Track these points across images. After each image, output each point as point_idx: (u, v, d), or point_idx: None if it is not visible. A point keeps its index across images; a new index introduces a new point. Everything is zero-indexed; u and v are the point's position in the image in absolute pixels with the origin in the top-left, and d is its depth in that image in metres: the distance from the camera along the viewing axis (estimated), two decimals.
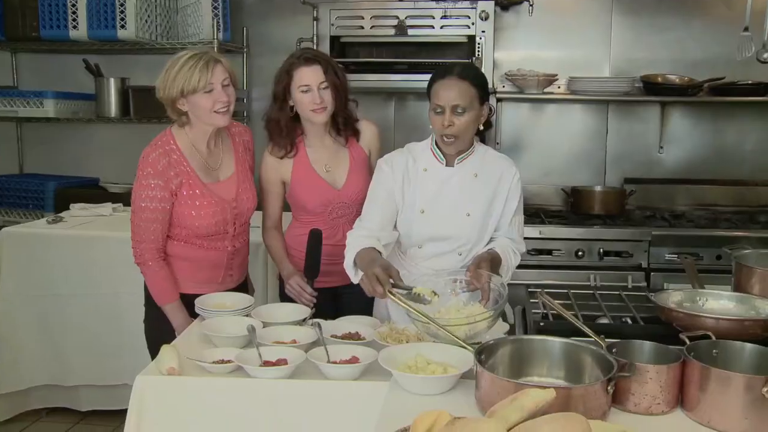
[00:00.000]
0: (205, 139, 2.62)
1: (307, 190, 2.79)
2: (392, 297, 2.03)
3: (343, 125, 2.81)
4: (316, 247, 2.64)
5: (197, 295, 2.55)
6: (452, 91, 2.29)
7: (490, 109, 2.42)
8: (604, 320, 2.28)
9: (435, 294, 2.14)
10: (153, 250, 2.58)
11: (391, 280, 2.09)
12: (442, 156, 2.45)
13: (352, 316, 2.47)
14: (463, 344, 1.94)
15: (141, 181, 2.54)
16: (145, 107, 4.27)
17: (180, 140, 2.59)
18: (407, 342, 2.16)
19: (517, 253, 2.48)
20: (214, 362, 2.09)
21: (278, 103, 2.73)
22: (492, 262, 2.30)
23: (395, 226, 2.47)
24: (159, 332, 2.49)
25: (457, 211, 2.44)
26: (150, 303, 2.65)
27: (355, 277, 2.28)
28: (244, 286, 2.87)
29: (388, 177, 2.45)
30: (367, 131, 2.88)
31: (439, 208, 2.44)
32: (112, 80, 4.37)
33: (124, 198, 4.09)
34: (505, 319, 2.33)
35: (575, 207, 4.19)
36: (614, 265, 3.78)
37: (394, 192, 2.44)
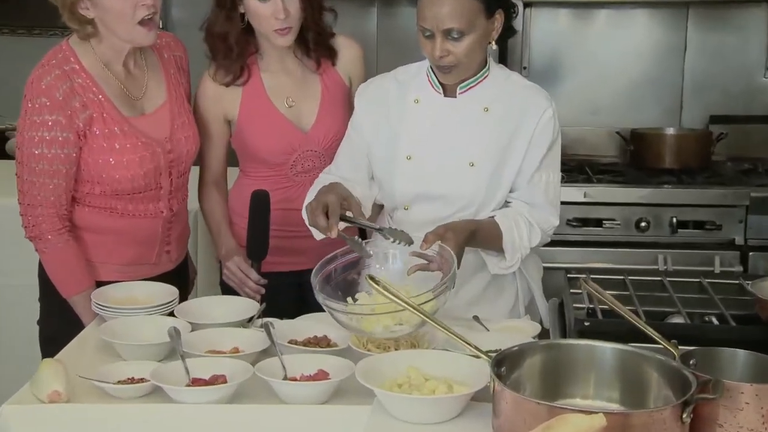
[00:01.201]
0: (120, 57, 2.65)
1: (261, 132, 2.83)
2: (377, 288, 2.03)
3: (315, 44, 2.84)
4: (261, 215, 2.66)
5: (120, 283, 2.60)
6: (443, 7, 2.31)
7: (509, 13, 2.43)
8: (678, 319, 2.29)
9: (406, 243, 2.25)
10: (53, 218, 2.59)
11: (349, 214, 2.17)
12: (439, 83, 2.50)
13: (319, 313, 2.44)
14: (476, 350, 1.93)
15: (31, 117, 2.54)
16: (25, 12, 4.20)
17: (85, 58, 2.61)
18: (396, 349, 2.17)
19: (536, 227, 2.47)
20: (119, 382, 2.08)
21: (224, 11, 2.76)
22: (473, 234, 2.31)
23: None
24: (62, 337, 2.49)
25: (458, 159, 2.47)
26: (48, 295, 2.69)
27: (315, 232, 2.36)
28: (183, 269, 2.93)
29: (361, 116, 2.55)
30: (347, 52, 2.90)
31: (432, 154, 2.48)
32: None
33: None
34: (535, 318, 2.38)
35: (637, 158, 4.21)
36: (693, 242, 3.80)
37: (363, 131, 2.53)
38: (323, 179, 2.49)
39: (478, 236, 2.34)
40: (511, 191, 2.50)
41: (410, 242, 2.26)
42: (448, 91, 2.48)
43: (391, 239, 2.27)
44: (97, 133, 2.57)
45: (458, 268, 2.18)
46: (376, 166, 2.54)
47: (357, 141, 2.56)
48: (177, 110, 2.73)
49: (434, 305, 2.10)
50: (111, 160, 2.58)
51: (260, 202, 2.66)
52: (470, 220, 2.41)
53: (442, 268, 2.21)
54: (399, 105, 2.50)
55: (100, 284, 2.63)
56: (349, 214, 2.26)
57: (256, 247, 2.69)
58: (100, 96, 2.58)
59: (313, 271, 2.25)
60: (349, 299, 2.22)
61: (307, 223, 2.30)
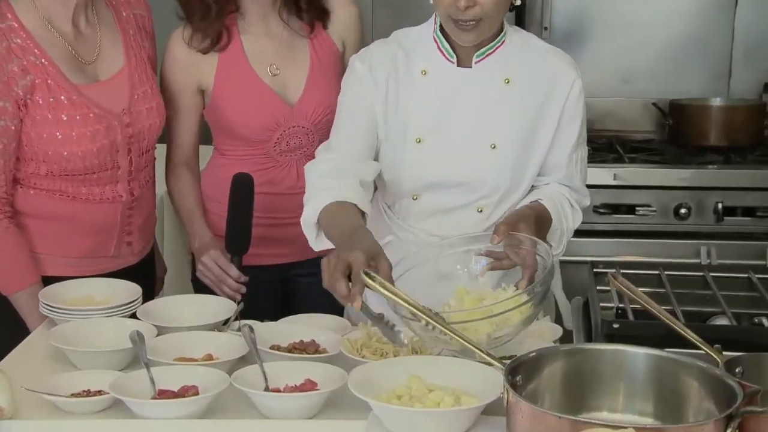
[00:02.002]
0: (68, 13, 2.65)
1: (240, 105, 2.84)
2: (381, 290, 2.02)
3: (307, 2, 2.87)
4: (243, 202, 2.66)
5: (70, 280, 2.60)
6: None
7: None
8: (722, 320, 2.30)
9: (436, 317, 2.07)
10: None
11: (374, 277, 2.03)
12: (451, 50, 2.45)
13: (307, 314, 2.50)
14: (487, 357, 1.95)
15: None
16: None
17: (24, 14, 2.61)
18: (395, 356, 2.18)
19: (578, 209, 2.51)
20: (73, 395, 2.06)
21: None
22: (538, 221, 2.33)
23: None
24: (4, 343, 2.47)
25: (477, 141, 2.46)
26: None
27: (315, 241, 2.33)
28: (149, 264, 2.95)
29: (366, 83, 2.47)
30: (342, 12, 2.92)
31: (447, 136, 2.46)
32: None
33: None
34: (556, 320, 2.38)
35: (676, 134, 4.21)
36: (742, 231, 3.82)
37: (374, 109, 2.46)
38: (322, 164, 2.44)
39: (538, 223, 2.33)
40: (540, 175, 2.51)
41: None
42: (462, 61, 2.45)
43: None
44: (41, 102, 2.57)
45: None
46: (381, 151, 2.50)
47: (366, 121, 2.48)
48: (138, 77, 2.73)
49: (532, 312, 2.10)
50: (57, 134, 2.58)
51: (242, 187, 2.67)
52: (527, 206, 2.41)
53: (525, 261, 2.21)
54: (405, 78, 2.46)
55: (47, 280, 2.63)
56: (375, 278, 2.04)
57: (237, 238, 2.69)
58: (43, 59, 2.58)
59: None
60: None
61: (324, 284, 2.10)
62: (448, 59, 2.45)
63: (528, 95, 2.45)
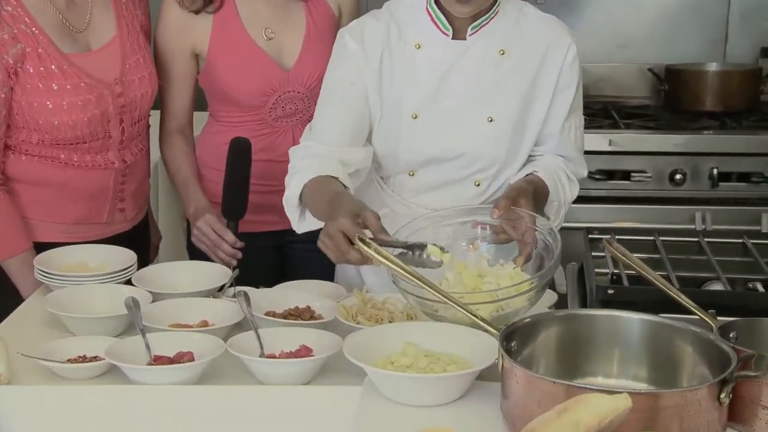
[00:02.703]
0: None
1: (235, 69, 2.83)
2: (376, 256, 2.00)
3: None
4: (241, 167, 2.65)
5: (62, 246, 2.59)
6: None
7: None
8: (717, 286, 2.31)
9: (443, 251, 2.13)
10: None
11: (367, 232, 2.07)
12: (446, 21, 2.42)
13: (302, 280, 2.51)
14: (482, 323, 1.95)
15: None
16: None
17: None
18: (390, 321, 2.18)
19: (575, 180, 2.50)
20: (69, 361, 2.08)
21: None
22: (535, 195, 2.32)
23: (370, 141, 2.49)
24: None
25: (473, 114, 2.44)
26: None
27: (298, 222, 2.36)
28: (143, 231, 2.94)
29: (358, 61, 2.43)
30: None
31: (443, 110, 2.44)
32: None
33: None
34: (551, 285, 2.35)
35: (672, 100, 4.21)
36: (737, 197, 3.82)
37: (366, 86, 2.43)
38: (304, 149, 2.43)
39: (535, 196, 2.31)
40: (537, 145, 2.49)
41: (438, 265, 2.11)
42: (457, 33, 2.41)
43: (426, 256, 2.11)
44: (31, 71, 2.57)
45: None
46: (376, 128, 2.47)
47: (356, 102, 2.44)
48: (130, 46, 2.72)
49: (537, 294, 2.08)
50: (48, 103, 2.58)
51: (240, 152, 2.66)
52: (526, 180, 2.38)
53: (523, 237, 2.20)
54: (399, 52, 2.43)
55: (40, 247, 2.63)
56: (368, 234, 2.07)
57: (234, 204, 2.67)
58: (34, 28, 2.57)
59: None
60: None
61: (333, 260, 2.12)
62: (443, 32, 2.41)
63: (523, 65, 2.43)
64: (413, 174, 2.49)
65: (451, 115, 2.43)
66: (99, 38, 2.69)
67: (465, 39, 2.41)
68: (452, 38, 2.42)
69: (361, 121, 2.44)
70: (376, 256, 2.00)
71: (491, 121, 2.43)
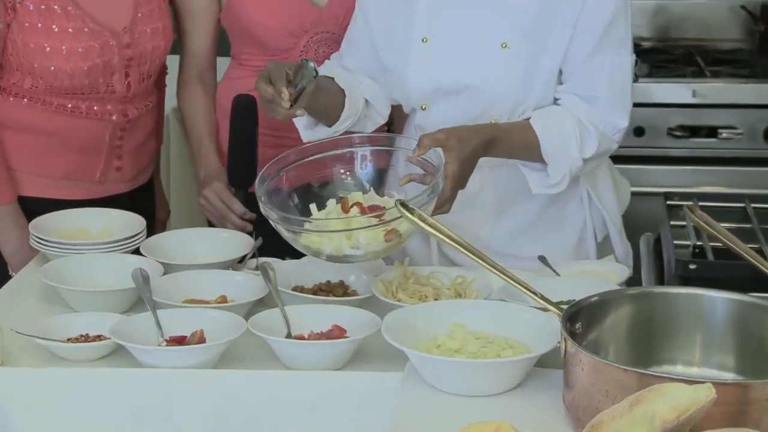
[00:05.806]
0: None
1: (260, 5, 2.79)
2: (420, 224, 1.98)
3: None
4: (245, 128, 2.63)
5: (49, 202, 2.61)
6: None
7: None
8: None
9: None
10: None
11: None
12: None
13: None
14: (543, 301, 1.88)
15: None
16: None
17: None
18: (436, 299, 2.17)
19: (591, 130, 2.39)
20: (70, 340, 2.07)
21: None
22: (494, 143, 2.28)
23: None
24: None
25: (486, 39, 2.43)
26: None
27: (305, 129, 2.41)
28: (145, 198, 2.90)
29: None
30: None
31: (454, 34, 2.44)
32: None
33: None
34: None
35: None
36: None
37: (368, 12, 2.50)
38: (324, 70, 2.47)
39: (501, 145, 2.29)
40: (561, 82, 2.46)
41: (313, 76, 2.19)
42: None
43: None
44: (31, 8, 2.56)
45: (461, 187, 2.17)
46: (385, 55, 2.51)
47: (360, 22, 2.54)
48: None
49: (406, 228, 2.10)
50: (46, 45, 2.57)
51: (244, 111, 2.62)
52: (491, 125, 2.38)
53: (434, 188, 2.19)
54: None
55: (23, 201, 2.65)
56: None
57: (240, 170, 2.64)
58: None
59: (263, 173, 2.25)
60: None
61: (265, 109, 2.26)
62: None
63: None
64: (426, 108, 2.50)
65: (462, 38, 2.44)
66: None
67: None
68: None
69: (372, 47, 2.55)
70: (421, 224, 1.99)
71: (505, 47, 2.42)
